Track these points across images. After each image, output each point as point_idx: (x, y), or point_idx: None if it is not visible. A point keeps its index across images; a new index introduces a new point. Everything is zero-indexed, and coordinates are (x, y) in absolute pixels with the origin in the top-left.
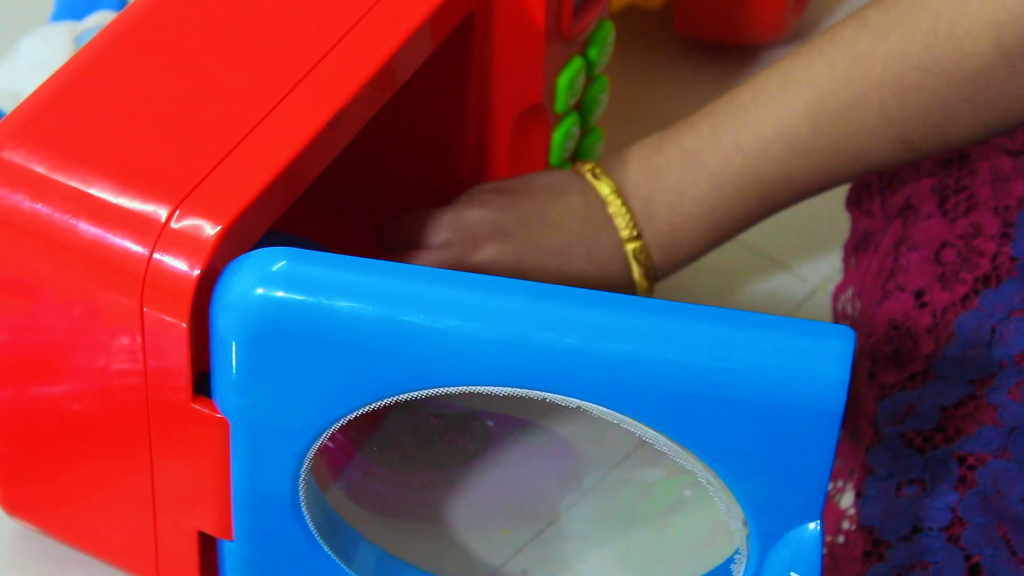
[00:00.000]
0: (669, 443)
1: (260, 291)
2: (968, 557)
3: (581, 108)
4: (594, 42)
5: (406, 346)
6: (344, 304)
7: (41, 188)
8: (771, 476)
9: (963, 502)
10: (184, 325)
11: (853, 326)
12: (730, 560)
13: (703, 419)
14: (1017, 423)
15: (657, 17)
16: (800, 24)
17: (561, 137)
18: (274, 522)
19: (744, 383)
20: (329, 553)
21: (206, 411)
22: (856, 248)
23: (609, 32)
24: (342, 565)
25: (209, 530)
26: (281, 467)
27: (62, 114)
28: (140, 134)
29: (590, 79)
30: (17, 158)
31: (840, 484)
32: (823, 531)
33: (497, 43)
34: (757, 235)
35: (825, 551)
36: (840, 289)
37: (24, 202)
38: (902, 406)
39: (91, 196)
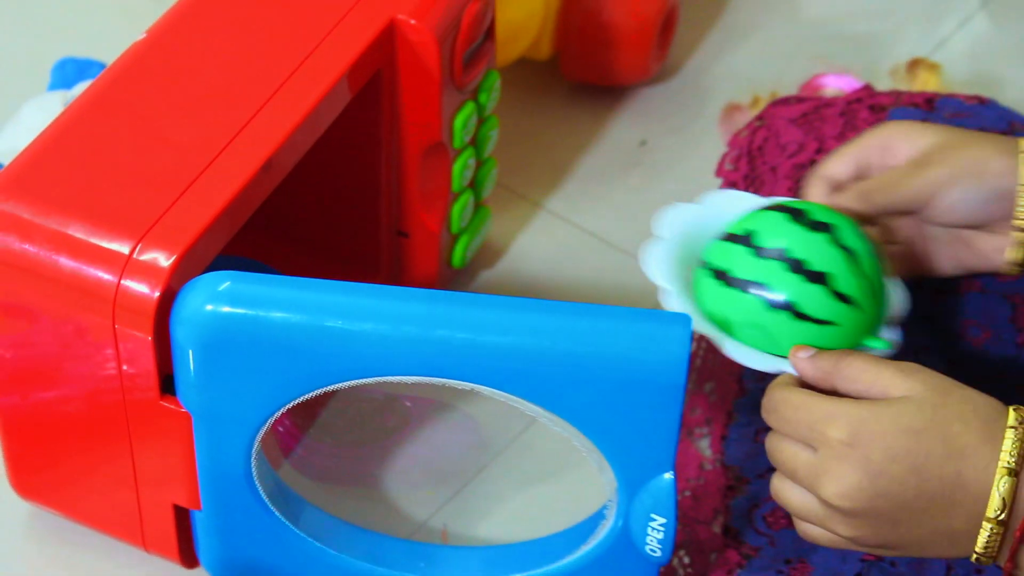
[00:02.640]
0: (548, 415)
1: (209, 307)
2: None
3: (476, 143)
4: (483, 89)
5: (329, 346)
6: (278, 315)
7: (28, 231)
8: (631, 438)
9: None
10: (149, 338)
11: None
12: (604, 508)
13: (574, 395)
14: None
15: (546, 66)
16: (661, 68)
17: (460, 168)
18: (232, 494)
19: (605, 364)
20: (280, 517)
21: (172, 407)
22: None
23: (495, 80)
24: (291, 526)
25: (182, 503)
26: (235, 449)
27: (44, 169)
28: (108, 182)
29: (482, 119)
30: (8, 207)
31: (698, 432)
32: (676, 480)
33: (402, 93)
34: (628, 240)
35: (688, 492)
36: None
37: (15, 243)
38: None
39: (69, 236)
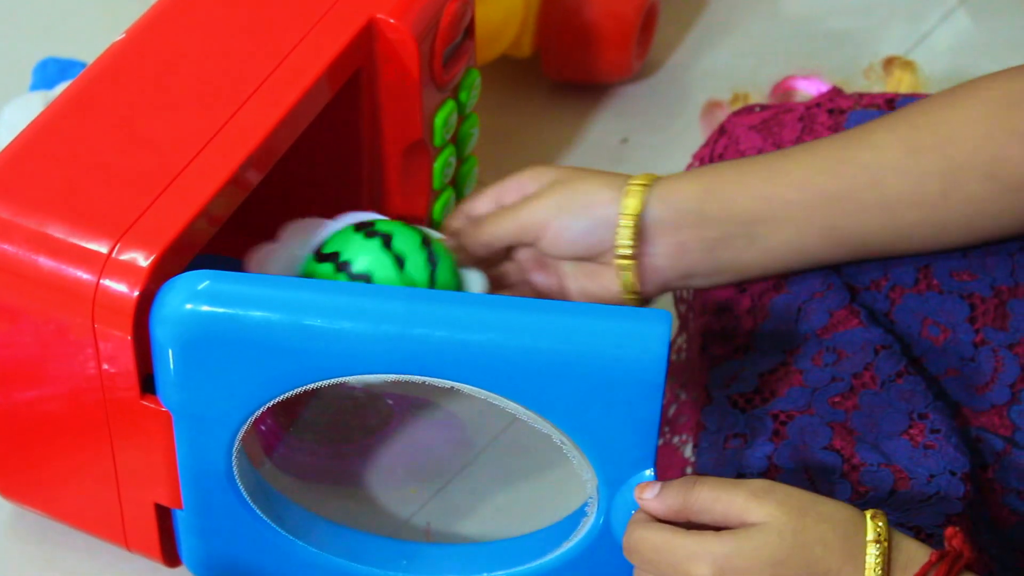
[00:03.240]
0: (528, 413)
1: (189, 307)
2: None
3: (456, 141)
4: (463, 87)
5: (309, 345)
6: (257, 314)
7: (7, 230)
8: (611, 435)
9: (776, 451)
10: (129, 337)
11: (689, 307)
12: (585, 505)
13: (553, 392)
14: (818, 384)
15: (527, 64)
16: (642, 66)
17: (441, 166)
18: (214, 493)
19: (584, 361)
20: (262, 515)
21: (152, 406)
22: None
23: (475, 78)
24: (273, 525)
25: (163, 502)
26: (216, 448)
27: (23, 169)
28: (86, 182)
29: (462, 117)
30: None
31: (684, 437)
32: (656, 476)
33: (382, 92)
34: None
35: None
36: None
37: None
38: (728, 373)
39: (48, 235)
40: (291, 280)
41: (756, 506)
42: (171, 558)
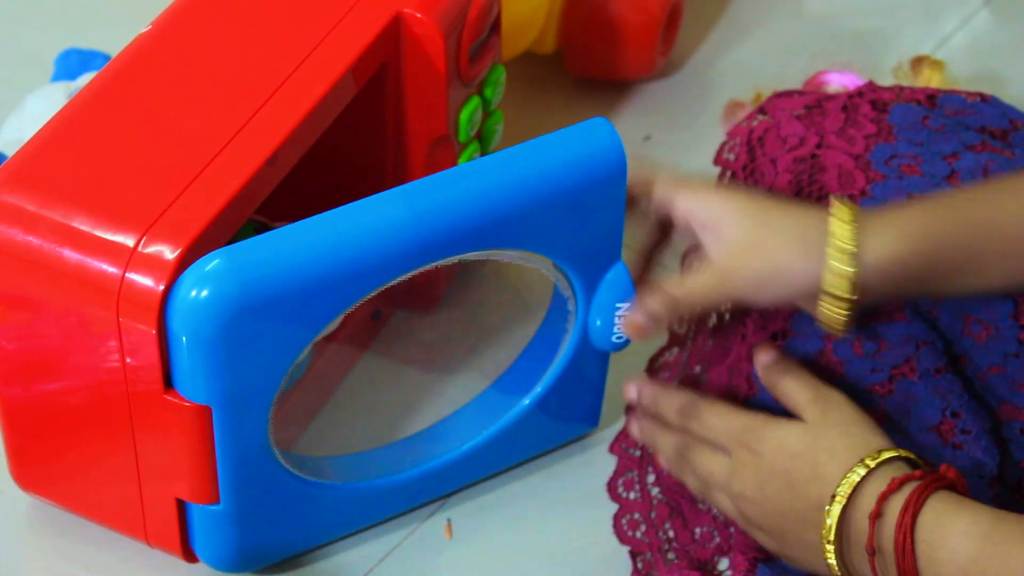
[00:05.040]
0: (524, 255)
1: (193, 293)
2: None
3: (481, 138)
4: (488, 83)
5: (322, 281)
6: (267, 273)
7: (33, 223)
8: (588, 242)
9: None
10: (153, 331)
11: None
12: (563, 324)
13: (539, 228)
14: (858, 376)
15: (551, 60)
16: (666, 64)
17: (465, 161)
18: (257, 475)
19: (554, 183)
20: (308, 479)
21: (176, 400)
22: None
23: (501, 74)
24: (321, 482)
25: (185, 496)
26: (254, 428)
27: (49, 161)
28: (112, 175)
29: (487, 114)
30: (13, 199)
31: None
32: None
33: (407, 87)
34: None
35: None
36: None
37: (19, 235)
38: None
39: (73, 228)
40: (285, 230)
41: (810, 408)
42: (191, 553)
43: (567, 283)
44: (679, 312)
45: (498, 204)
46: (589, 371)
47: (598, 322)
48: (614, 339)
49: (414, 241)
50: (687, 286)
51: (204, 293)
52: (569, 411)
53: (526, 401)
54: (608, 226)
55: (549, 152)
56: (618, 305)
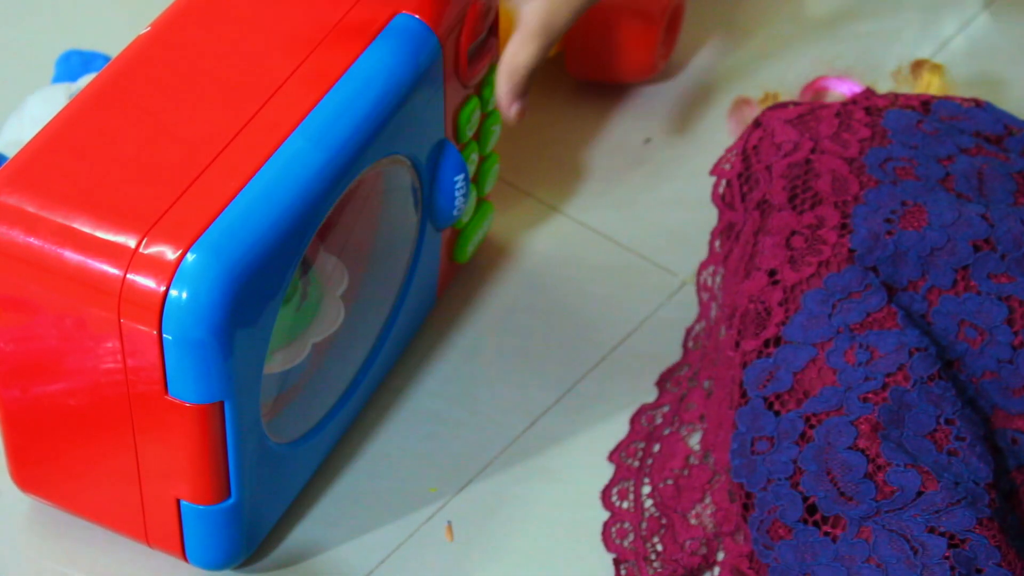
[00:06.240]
0: (388, 162)
1: (174, 293)
2: (805, 499)
3: (479, 138)
4: (487, 84)
5: (279, 227)
6: (240, 252)
7: (33, 224)
8: (424, 130)
9: (801, 454)
10: (154, 332)
11: (713, 296)
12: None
13: (395, 129)
14: (851, 383)
15: (551, 62)
16: (666, 66)
17: None
18: (259, 458)
19: (400, 84)
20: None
21: (177, 401)
22: (721, 235)
23: None
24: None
25: (185, 498)
26: (252, 412)
27: (49, 162)
28: (113, 176)
29: (485, 114)
30: (13, 200)
31: (690, 427)
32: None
33: None
34: (632, 237)
35: (671, 481)
36: (704, 265)
37: (19, 236)
38: (763, 372)
39: (74, 229)
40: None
41: None
42: None
43: (416, 176)
44: (520, 72)
45: (372, 118)
46: (430, 253)
47: (441, 200)
48: (455, 212)
49: (325, 170)
50: (511, 48)
51: (184, 294)
52: (420, 297)
53: (400, 293)
54: (435, 109)
55: (388, 61)
56: (456, 179)
